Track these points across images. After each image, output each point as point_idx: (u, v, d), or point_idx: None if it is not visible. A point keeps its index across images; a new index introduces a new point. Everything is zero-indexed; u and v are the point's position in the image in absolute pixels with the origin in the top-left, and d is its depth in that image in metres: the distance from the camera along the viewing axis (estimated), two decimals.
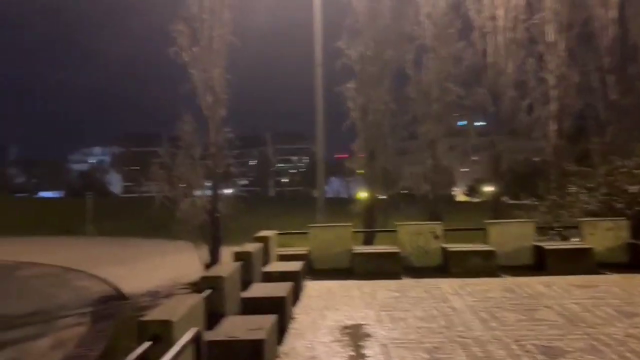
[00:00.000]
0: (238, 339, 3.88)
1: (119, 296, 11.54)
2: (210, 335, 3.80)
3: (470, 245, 9.10)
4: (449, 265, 8.70)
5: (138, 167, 42.49)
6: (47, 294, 12.53)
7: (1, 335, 9.14)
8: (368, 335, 5.26)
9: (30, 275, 15.34)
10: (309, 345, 4.99)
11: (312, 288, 7.53)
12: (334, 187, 62.24)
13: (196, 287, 10.75)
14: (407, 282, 7.97)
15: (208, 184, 12.70)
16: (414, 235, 9.24)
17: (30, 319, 10.34)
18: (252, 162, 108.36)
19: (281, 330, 5.09)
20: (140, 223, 23.95)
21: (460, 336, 5.10)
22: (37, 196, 50.60)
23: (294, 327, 5.55)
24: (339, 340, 5.12)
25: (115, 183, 66.42)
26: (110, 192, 56.72)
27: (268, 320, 4.46)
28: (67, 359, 7.35)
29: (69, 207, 31.26)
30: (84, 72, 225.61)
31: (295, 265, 7.41)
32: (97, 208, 26.03)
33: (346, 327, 5.55)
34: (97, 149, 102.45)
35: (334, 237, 9.30)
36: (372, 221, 12.40)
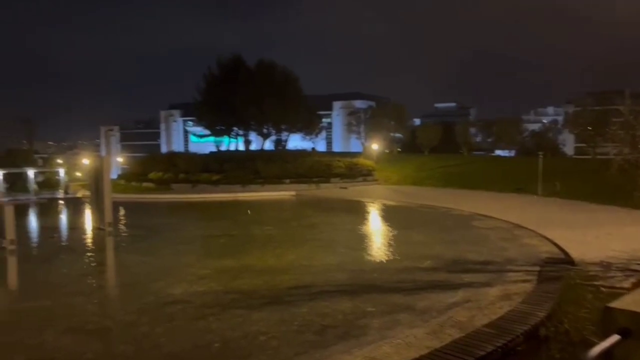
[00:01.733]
0: None
1: (566, 260, 11.06)
2: None
3: None
4: None
5: (590, 128, 39.32)
6: (498, 246, 13.31)
7: (459, 276, 10.30)
8: None
9: (484, 227, 16.67)
10: None
11: None
12: None
13: None
14: None
15: None
16: None
17: (482, 267, 11.23)
18: None
19: None
20: (593, 187, 22.31)
21: None
22: (492, 154, 54.32)
23: None
24: None
25: (568, 143, 64.12)
26: (562, 153, 55.18)
27: None
28: (515, 312, 7.54)
29: (520, 166, 32.14)
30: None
31: None
32: (547, 168, 25.72)
33: None
34: (550, 109, 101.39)
35: None
36: None
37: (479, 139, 55.08)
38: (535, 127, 66.33)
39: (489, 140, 54.49)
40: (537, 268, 10.47)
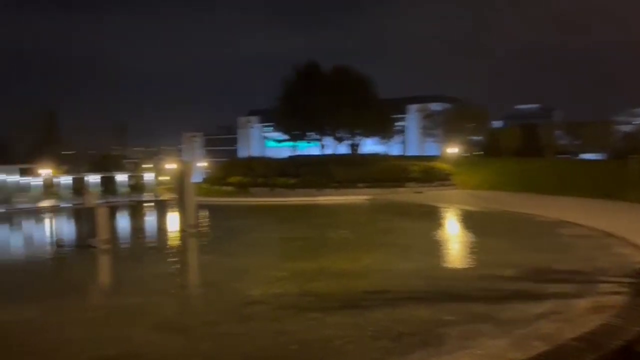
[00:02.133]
0: None
1: None
2: None
3: None
4: None
5: None
6: (587, 256, 12.49)
7: (545, 286, 9.78)
8: None
9: (571, 234, 15.72)
10: None
11: None
12: None
13: None
14: None
15: None
16: None
17: (569, 276, 10.59)
18: None
19: None
20: None
21: None
22: (578, 158, 51.23)
23: None
24: None
25: None
26: None
27: None
28: (607, 326, 7.05)
29: (610, 170, 30.08)
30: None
31: None
32: None
33: None
34: None
35: None
36: None
37: (564, 141, 52.16)
38: (627, 128, 61.94)
39: (576, 143, 51.46)
40: (631, 280, 9.73)
